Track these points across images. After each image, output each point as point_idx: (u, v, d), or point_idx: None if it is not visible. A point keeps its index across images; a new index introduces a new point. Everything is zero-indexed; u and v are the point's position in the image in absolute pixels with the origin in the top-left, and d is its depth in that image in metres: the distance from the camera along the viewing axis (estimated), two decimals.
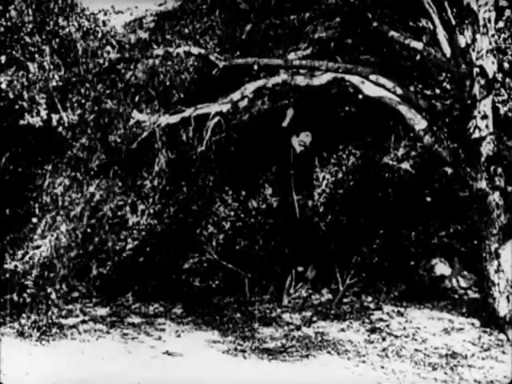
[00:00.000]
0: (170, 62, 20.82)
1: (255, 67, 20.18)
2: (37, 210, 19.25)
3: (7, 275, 18.33)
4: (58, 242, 18.61)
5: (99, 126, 19.28)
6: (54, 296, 18.36)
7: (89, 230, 19.83)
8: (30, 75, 16.86)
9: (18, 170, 20.88)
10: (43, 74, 16.93)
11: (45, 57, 16.82)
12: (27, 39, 16.71)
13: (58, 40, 17.46)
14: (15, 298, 18.35)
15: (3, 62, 16.59)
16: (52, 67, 17.03)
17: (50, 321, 18.15)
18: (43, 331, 17.82)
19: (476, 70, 17.94)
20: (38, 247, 18.45)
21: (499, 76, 18.16)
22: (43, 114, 17.32)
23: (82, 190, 19.17)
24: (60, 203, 18.93)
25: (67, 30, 17.52)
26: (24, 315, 18.32)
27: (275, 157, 21.82)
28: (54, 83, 17.21)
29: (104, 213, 19.95)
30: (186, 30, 22.32)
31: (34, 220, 19.02)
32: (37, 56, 16.83)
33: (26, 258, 18.27)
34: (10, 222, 20.36)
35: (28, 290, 18.29)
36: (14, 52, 16.66)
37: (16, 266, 18.16)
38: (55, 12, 17.17)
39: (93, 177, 19.44)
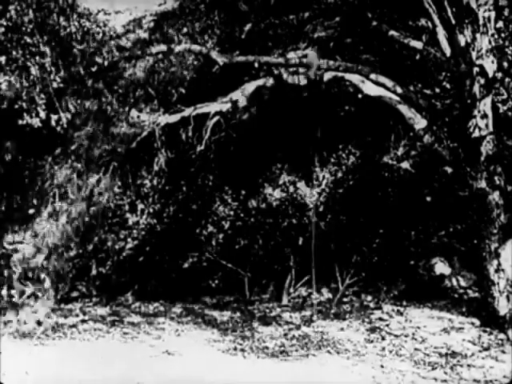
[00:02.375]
0: (169, 60, 20.84)
1: (255, 65, 20.18)
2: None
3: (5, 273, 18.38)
4: (56, 235, 18.65)
5: (98, 126, 19.31)
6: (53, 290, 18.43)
7: (88, 229, 19.87)
8: (31, 76, 16.85)
9: (17, 164, 20.91)
10: (43, 75, 16.92)
11: (45, 57, 16.81)
12: (27, 39, 16.70)
13: (58, 40, 17.46)
14: (12, 293, 18.36)
15: (3, 62, 16.57)
16: (52, 68, 17.03)
17: (48, 320, 18.17)
18: (43, 331, 17.82)
19: (476, 69, 17.94)
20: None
21: (499, 75, 18.14)
22: (42, 114, 17.31)
23: (82, 186, 19.20)
24: (58, 197, 18.98)
25: (68, 30, 17.51)
26: (23, 314, 18.33)
27: (276, 156, 21.84)
28: (55, 84, 17.20)
29: (103, 211, 19.96)
30: (186, 30, 22.34)
31: (31, 211, 19.06)
32: (37, 57, 16.82)
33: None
34: (10, 215, 20.39)
35: (25, 287, 18.33)
36: (14, 52, 16.65)
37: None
38: (55, 12, 17.17)
39: (92, 175, 19.46)
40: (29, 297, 18.24)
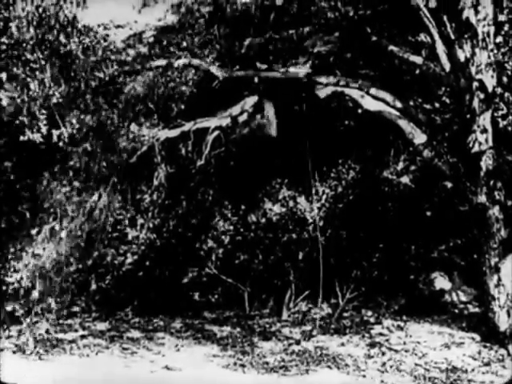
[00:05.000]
0: (169, 74, 20.86)
1: (255, 80, 20.25)
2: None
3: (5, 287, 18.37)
4: (57, 253, 18.63)
5: (99, 140, 19.32)
6: (53, 306, 18.40)
7: (88, 244, 19.85)
8: (31, 92, 16.87)
9: (17, 181, 20.92)
10: (44, 90, 16.94)
11: (45, 73, 16.83)
12: (28, 56, 16.73)
13: (58, 56, 17.49)
14: (11, 309, 18.36)
15: (4, 78, 16.59)
16: (52, 84, 17.05)
17: (48, 336, 18.13)
18: (42, 346, 17.77)
19: (475, 84, 17.98)
20: (36, 255, 18.47)
21: (498, 90, 18.17)
22: (43, 129, 17.33)
23: (81, 203, 19.20)
24: (59, 214, 18.97)
25: (68, 46, 17.54)
26: (23, 330, 18.30)
27: (275, 170, 21.83)
28: (55, 100, 17.23)
29: (103, 226, 19.94)
30: (185, 44, 22.39)
31: (33, 232, 19.06)
32: (37, 73, 16.85)
33: (25, 271, 18.29)
34: (9, 233, 20.38)
35: (24, 303, 18.31)
36: (14, 69, 16.67)
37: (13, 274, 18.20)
38: (56, 28, 17.20)
39: (92, 191, 19.46)
40: (29, 312, 18.21)
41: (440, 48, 18.58)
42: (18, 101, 16.89)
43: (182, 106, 21.28)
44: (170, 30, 23.63)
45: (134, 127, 19.96)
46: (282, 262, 21.06)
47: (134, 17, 23.05)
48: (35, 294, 18.26)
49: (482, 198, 18.04)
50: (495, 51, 18.08)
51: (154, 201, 21.14)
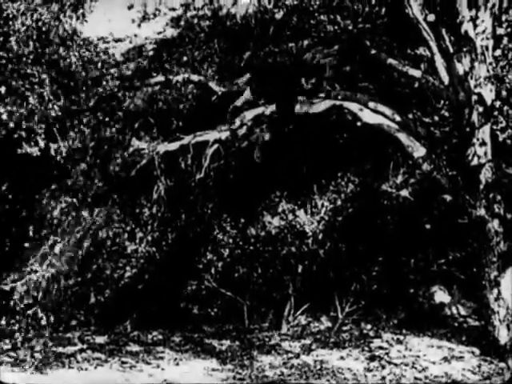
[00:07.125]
0: (168, 90, 20.89)
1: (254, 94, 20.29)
2: (31, 233, 19.31)
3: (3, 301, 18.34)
4: (55, 268, 18.61)
5: (98, 154, 19.33)
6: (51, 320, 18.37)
7: (87, 258, 19.83)
8: (30, 106, 16.87)
9: (16, 196, 20.91)
10: (42, 104, 16.95)
11: (44, 87, 16.84)
12: (27, 70, 16.73)
13: (57, 70, 17.49)
14: (4, 322, 18.31)
15: (3, 92, 16.59)
16: (51, 97, 17.06)
17: (46, 349, 18.07)
18: (40, 360, 17.71)
19: (474, 97, 18.02)
20: (35, 271, 18.45)
21: (497, 103, 18.18)
22: (41, 143, 17.34)
23: (80, 217, 19.19)
24: (57, 229, 18.96)
25: (68, 60, 17.54)
26: (21, 343, 18.24)
27: (274, 183, 21.82)
28: (53, 114, 17.23)
29: (102, 240, 19.94)
30: (185, 58, 22.41)
31: (27, 245, 19.04)
32: (37, 87, 16.85)
33: (23, 283, 18.26)
34: (8, 247, 20.36)
35: (22, 317, 18.27)
36: (13, 82, 16.67)
37: (12, 290, 18.17)
38: (55, 42, 17.21)
39: (91, 204, 19.46)
40: (27, 326, 18.17)
41: (439, 61, 18.62)
42: (17, 115, 16.89)
43: (182, 120, 21.29)
44: (169, 43, 23.64)
45: (133, 141, 19.96)
46: (282, 275, 21.03)
47: (133, 30, 23.09)
48: (34, 308, 18.22)
49: (481, 211, 18.05)
50: (494, 65, 18.12)
51: (153, 214, 21.13)
